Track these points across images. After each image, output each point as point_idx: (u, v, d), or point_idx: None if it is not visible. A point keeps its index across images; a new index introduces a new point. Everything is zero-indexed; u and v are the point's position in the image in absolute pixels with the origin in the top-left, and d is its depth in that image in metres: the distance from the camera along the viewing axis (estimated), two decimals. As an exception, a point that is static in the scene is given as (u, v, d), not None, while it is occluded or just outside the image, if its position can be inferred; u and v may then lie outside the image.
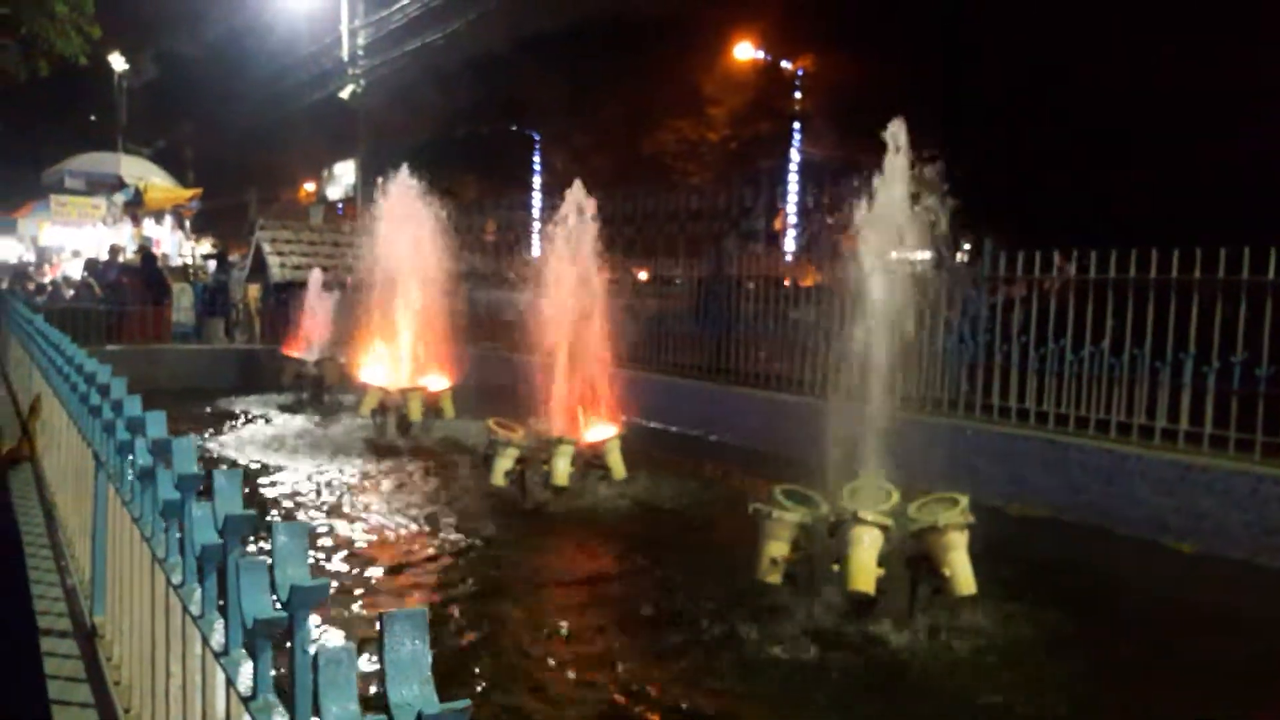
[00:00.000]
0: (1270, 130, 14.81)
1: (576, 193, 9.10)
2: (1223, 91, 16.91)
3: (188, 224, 25.22)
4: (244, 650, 1.58)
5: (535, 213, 41.80)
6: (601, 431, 8.75)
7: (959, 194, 6.31)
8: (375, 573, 6.47)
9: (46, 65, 16.26)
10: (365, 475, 9.29)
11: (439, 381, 11.71)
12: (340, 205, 48.01)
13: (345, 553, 6.81)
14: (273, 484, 8.77)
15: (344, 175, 49.25)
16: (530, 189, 43.36)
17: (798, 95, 31.71)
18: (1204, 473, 7.14)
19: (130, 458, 2.61)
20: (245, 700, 1.44)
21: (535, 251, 19.66)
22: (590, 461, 8.50)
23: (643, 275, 14.31)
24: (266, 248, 17.66)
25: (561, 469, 8.06)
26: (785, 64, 31.11)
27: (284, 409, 13.23)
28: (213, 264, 21.08)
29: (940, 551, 5.35)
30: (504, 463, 8.21)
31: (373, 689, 1.98)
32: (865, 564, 5.26)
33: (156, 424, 2.48)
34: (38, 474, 5.70)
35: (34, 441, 5.67)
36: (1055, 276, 8.60)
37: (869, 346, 6.24)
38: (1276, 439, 6.98)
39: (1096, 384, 8.21)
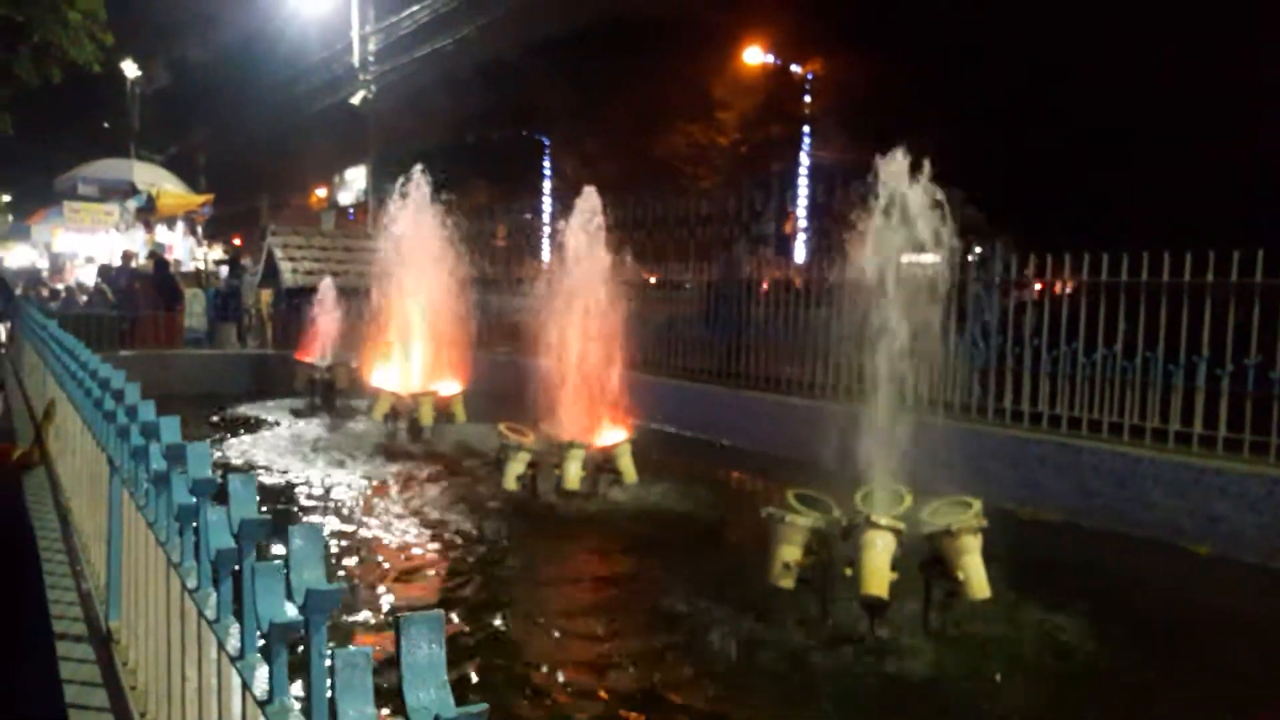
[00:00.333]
0: (1272, 131, 14.81)
1: (587, 199, 9.12)
2: (1225, 91, 16.93)
3: (200, 230, 25.32)
4: (259, 654, 1.58)
5: (545, 218, 41.88)
6: (612, 435, 8.75)
7: (970, 196, 6.30)
8: (387, 576, 6.48)
9: (60, 72, 16.37)
10: (377, 479, 9.31)
11: (450, 386, 11.73)
12: (351, 211, 48.17)
13: (358, 556, 6.83)
14: (286, 488, 8.80)
15: (355, 181, 49.43)
16: (540, 194, 43.44)
17: (807, 99, 31.70)
18: (1218, 475, 7.11)
19: (144, 462, 2.61)
20: (261, 704, 1.45)
21: (545, 256, 19.65)
22: (601, 465, 8.51)
23: (653, 279, 14.28)
24: (278, 253, 17.71)
25: (573, 473, 8.07)
26: (795, 68, 31.11)
27: (296, 414, 13.27)
28: (225, 269, 21.17)
29: (954, 555, 5.33)
30: (515, 467, 8.22)
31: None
32: (878, 568, 5.24)
33: (170, 429, 2.49)
34: (53, 479, 5.72)
35: (46, 446, 5.69)
36: (1067, 279, 8.58)
37: (880, 350, 6.22)
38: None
39: (1109, 387, 8.18)
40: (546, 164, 42.80)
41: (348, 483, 9.11)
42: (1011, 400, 8.82)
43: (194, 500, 2.05)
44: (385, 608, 5.84)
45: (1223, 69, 17.37)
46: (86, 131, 34.10)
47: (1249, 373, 7.31)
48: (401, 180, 12.18)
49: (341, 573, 6.41)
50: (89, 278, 21.04)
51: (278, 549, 1.55)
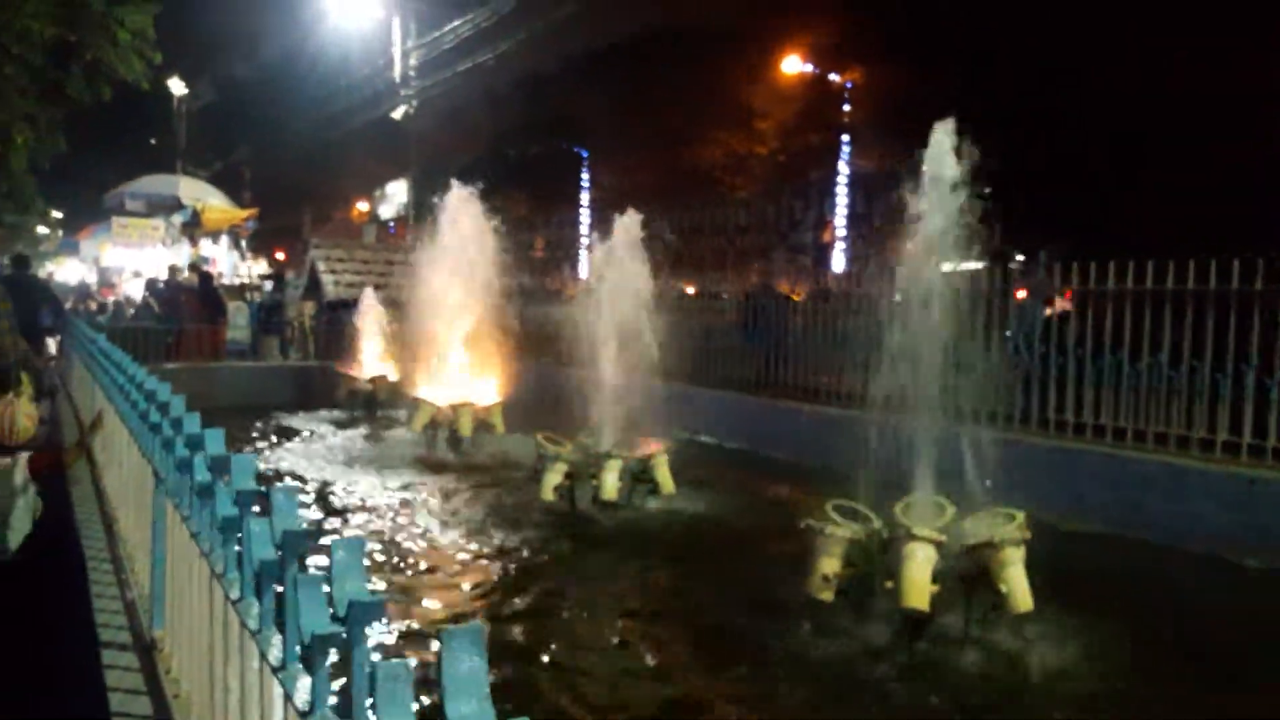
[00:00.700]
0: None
1: (627, 219, 9.16)
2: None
3: (244, 244, 25.68)
4: (301, 665, 1.59)
5: (584, 229, 42.06)
6: (650, 446, 8.73)
7: (1010, 204, 6.23)
8: (426, 587, 6.51)
9: (110, 90, 16.67)
10: (417, 490, 9.36)
11: (489, 397, 11.78)
12: (392, 224, 48.68)
13: (397, 567, 6.87)
14: (327, 499, 8.88)
15: (396, 194, 49.96)
16: (579, 205, 43.65)
17: (846, 107, 31.57)
18: (1268, 486, 6.96)
19: (189, 474, 2.65)
20: (303, 715, 1.46)
21: (584, 267, 19.72)
22: (639, 476, 8.49)
23: (690, 290, 14.28)
24: (321, 266, 17.93)
25: (610, 483, 8.06)
26: (833, 76, 31.00)
27: (338, 425, 13.40)
28: (269, 284, 21.45)
29: (996, 567, 5.26)
30: (553, 477, 8.23)
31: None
32: (919, 580, 5.18)
33: (215, 441, 2.52)
34: (99, 489, 5.82)
35: (91, 452, 5.80)
36: (1112, 288, 8.45)
37: (921, 359, 6.17)
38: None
39: (1155, 396, 8.05)
40: (585, 176, 43.03)
41: (386, 493, 9.17)
42: (1055, 410, 8.70)
43: (237, 511, 2.07)
44: (424, 619, 5.86)
45: (1233, 72, 17.24)
46: (134, 148, 34.82)
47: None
48: (443, 193, 12.28)
49: (381, 583, 6.45)
50: (137, 292, 21.41)
51: (319, 559, 1.56)
